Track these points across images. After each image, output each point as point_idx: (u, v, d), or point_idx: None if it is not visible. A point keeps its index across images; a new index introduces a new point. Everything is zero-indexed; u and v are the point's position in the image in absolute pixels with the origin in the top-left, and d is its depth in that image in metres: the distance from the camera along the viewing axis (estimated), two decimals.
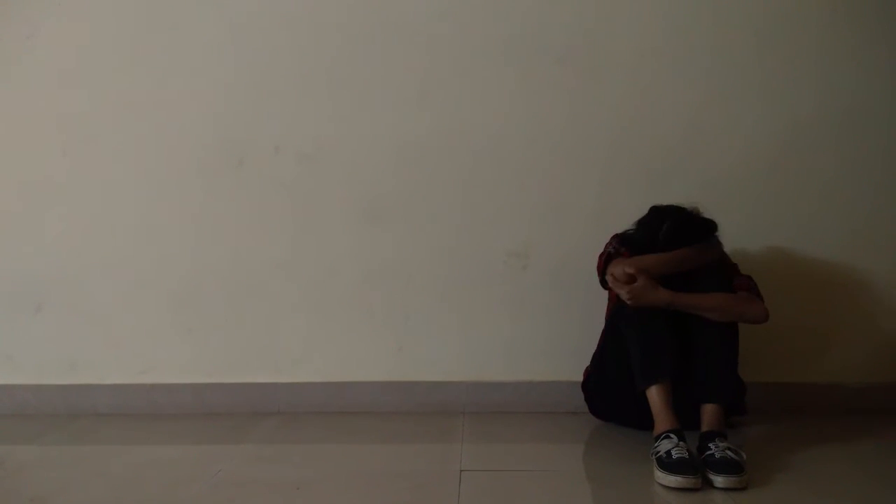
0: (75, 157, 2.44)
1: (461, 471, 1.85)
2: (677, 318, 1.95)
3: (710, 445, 1.79)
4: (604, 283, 2.07)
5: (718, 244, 2.07)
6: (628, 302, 1.93)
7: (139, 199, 2.43)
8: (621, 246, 2.07)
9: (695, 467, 1.73)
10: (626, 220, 2.14)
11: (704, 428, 1.88)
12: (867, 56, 2.32)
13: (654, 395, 1.89)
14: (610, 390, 2.12)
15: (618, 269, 1.97)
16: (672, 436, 1.80)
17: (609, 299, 2.14)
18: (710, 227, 2.04)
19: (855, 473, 1.84)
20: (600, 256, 2.10)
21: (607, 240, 2.14)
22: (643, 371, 1.91)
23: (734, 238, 2.14)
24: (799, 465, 1.86)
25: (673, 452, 1.75)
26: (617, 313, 2.02)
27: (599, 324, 2.16)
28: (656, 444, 1.82)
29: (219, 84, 2.41)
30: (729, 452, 1.76)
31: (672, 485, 1.71)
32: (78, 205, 2.44)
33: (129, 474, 1.91)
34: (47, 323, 2.46)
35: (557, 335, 2.35)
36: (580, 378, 2.22)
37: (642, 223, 2.10)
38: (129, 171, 2.43)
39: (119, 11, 2.40)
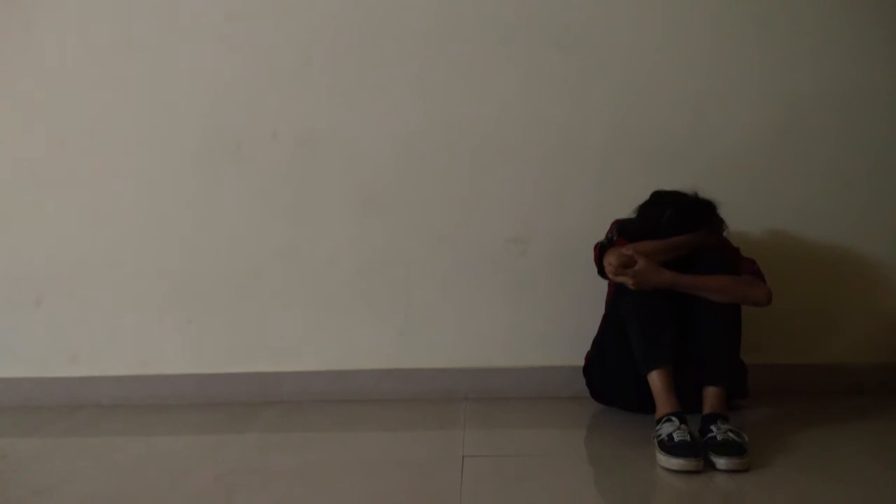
0: (73, 149, 2.42)
1: (463, 456, 1.85)
2: (679, 300, 1.95)
3: (712, 428, 1.79)
4: (602, 274, 2.06)
5: (720, 225, 2.06)
6: (632, 286, 1.93)
7: (137, 188, 2.42)
8: (618, 234, 2.06)
9: (697, 450, 1.73)
10: (625, 204, 2.13)
11: (706, 410, 1.88)
12: (867, 38, 2.30)
13: (656, 378, 1.89)
14: (611, 374, 2.12)
15: (613, 255, 1.96)
16: (673, 419, 1.80)
17: (609, 283, 2.13)
18: (710, 209, 2.04)
19: (858, 454, 1.84)
20: (595, 247, 2.09)
21: (607, 225, 2.13)
22: (645, 355, 1.91)
23: (736, 222, 2.13)
24: (801, 447, 1.86)
25: (675, 435, 1.75)
26: (618, 298, 2.01)
27: (600, 308, 2.16)
28: (658, 428, 1.82)
29: (216, 69, 2.39)
30: (731, 434, 1.76)
31: (674, 467, 1.71)
32: (77, 196, 2.43)
33: (132, 465, 1.92)
34: (48, 315, 2.45)
35: (558, 320, 2.35)
36: (581, 363, 2.22)
37: (644, 208, 2.09)
38: (126, 159, 2.42)
39: (115, 1, 2.38)
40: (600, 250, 2.06)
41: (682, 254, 1.99)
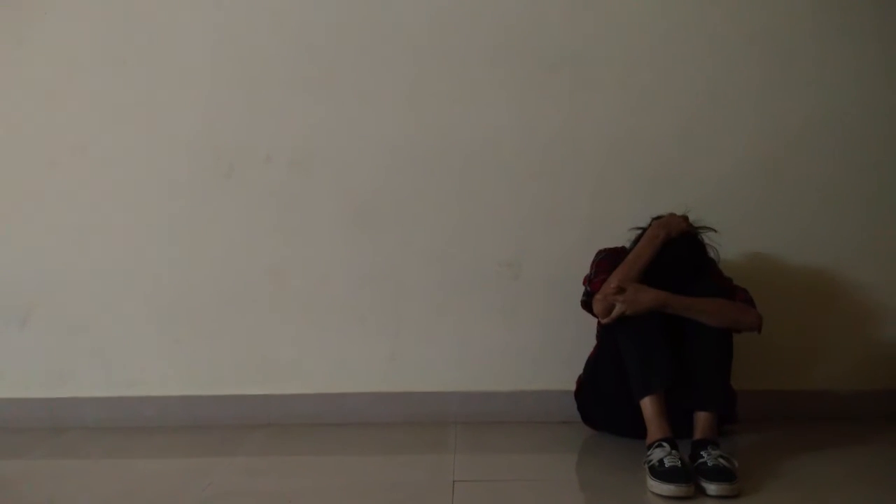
0: (63, 168, 2.41)
1: (454, 481, 1.84)
2: (673, 325, 1.95)
3: (703, 453, 1.79)
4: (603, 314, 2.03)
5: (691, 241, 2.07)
6: (628, 313, 1.93)
7: (127, 208, 2.42)
8: (596, 274, 2.05)
9: (688, 476, 1.73)
10: (618, 228, 2.15)
11: (697, 436, 1.88)
12: (862, 63, 2.33)
13: (648, 404, 1.89)
14: (603, 399, 2.11)
15: (598, 306, 1.97)
16: (665, 444, 1.80)
17: None
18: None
19: (846, 480, 1.84)
20: (582, 305, 2.09)
21: (600, 249, 2.14)
22: (640, 382, 1.91)
23: (727, 246, 2.15)
24: (791, 473, 1.86)
25: (666, 461, 1.75)
26: (612, 325, 2.00)
27: (592, 332, 2.16)
28: (649, 453, 1.81)
29: (209, 91, 2.40)
30: (721, 460, 1.76)
31: (665, 493, 1.71)
32: (65, 215, 2.42)
33: (118, 488, 1.89)
34: (34, 336, 2.43)
35: (550, 344, 2.35)
36: (573, 387, 2.22)
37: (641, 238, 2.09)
38: (117, 180, 2.41)
39: (108, 20, 2.39)
40: (585, 305, 2.07)
41: (650, 254, 1.98)
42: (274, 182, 2.39)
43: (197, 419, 2.38)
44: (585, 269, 2.11)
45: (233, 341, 2.41)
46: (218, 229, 2.41)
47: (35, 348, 2.43)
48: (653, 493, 1.74)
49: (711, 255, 2.10)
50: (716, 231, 2.10)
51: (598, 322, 2.12)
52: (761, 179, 2.35)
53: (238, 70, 2.39)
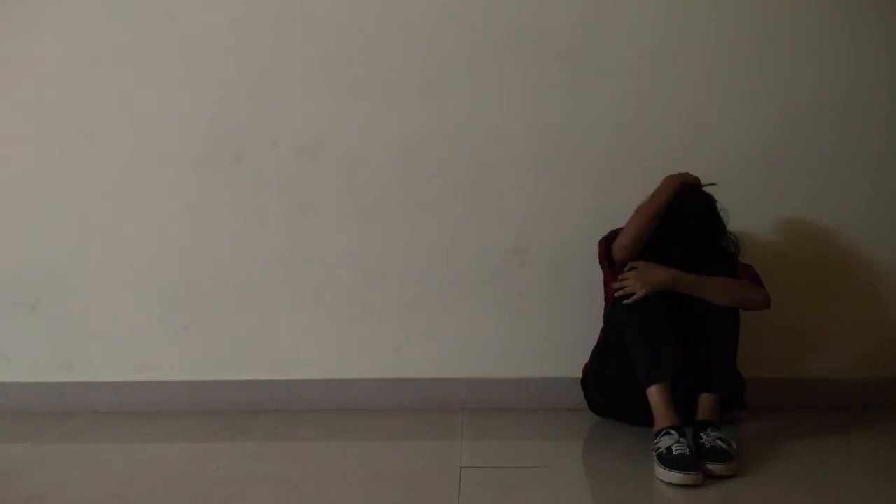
0: (72, 155, 2.42)
1: (461, 468, 1.84)
2: (678, 310, 1.94)
3: (702, 434, 1.82)
4: (610, 264, 2.05)
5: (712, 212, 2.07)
6: (640, 288, 1.92)
7: (135, 195, 2.42)
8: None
9: (696, 463, 1.73)
10: (625, 216, 2.13)
11: (699, 417, 1.89)
12: (865, 48, 2.31)
13: (655, 392, 1.89)
14: (610, 387, 2.11)
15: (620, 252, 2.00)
16: (672, 432, 1.80)
17: (606, 294, 2.13)
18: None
19: (853, 468, 1.84)
20: (600, 243, 2.10)
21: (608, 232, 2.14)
22: (647, 370, 1.90)
23: (734, 231, 2.13)
24: (797, 460, 1.86)
25: (674, 448, 1.75)
26: (616, 312, 2.00)
27: (598, 320, 2.16)
28: (657, 441, 1.81)
29: (216, 78, 2.39)
30: (719, 441, 1.79)
31: (673, 481, 1.71)
32: (74, 202, 2.43)
33: (127, 472, 1.90)
34: (43, 321, 2.44)
35: (557, 331, 2.35)
36: (579, 374, 2.21)
37: None
38: (125, 167, 2.41)
39: (117, 6, 2.39)
40: (606, 245, 2.07)
41: (653, 216, 2.00)
42: (282, 170, 2.39)
43: (204, 404, 2.39)
44: (592, 257, 2.11)
45: (240, 327, 2.42)
46: (226, 216, 2.41)
47: (44, 333, 2.44)
48: (660, 480, 1.74)
49: (722, 217, 2.09)
50: (715, 184, 2.08)
51: (606, 308, 2.12)
52: (765, 167, 2.34)
53: (249, 59, 2.38)
